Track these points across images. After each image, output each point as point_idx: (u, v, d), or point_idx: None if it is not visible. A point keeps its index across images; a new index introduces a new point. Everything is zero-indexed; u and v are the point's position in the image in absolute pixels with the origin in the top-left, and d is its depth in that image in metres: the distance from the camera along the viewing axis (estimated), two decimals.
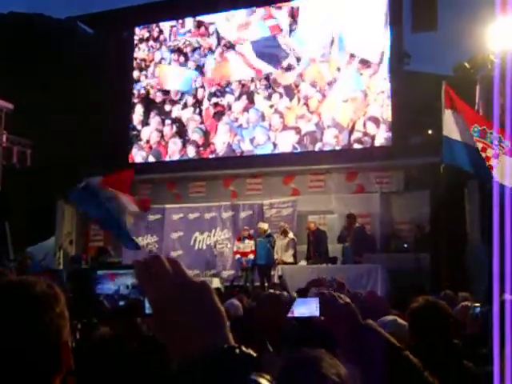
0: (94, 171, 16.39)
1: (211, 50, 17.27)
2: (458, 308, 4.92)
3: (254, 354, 0.85)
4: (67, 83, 16.54)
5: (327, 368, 1.39)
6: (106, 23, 17.79)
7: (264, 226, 13.65)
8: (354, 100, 15.21)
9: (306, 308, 1.83)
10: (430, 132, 14.54)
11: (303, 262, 13.12)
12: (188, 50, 17.66)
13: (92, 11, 18.39)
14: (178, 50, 17.77)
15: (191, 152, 17.06)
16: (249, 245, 13.49)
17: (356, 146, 15.05)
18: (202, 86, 17.19)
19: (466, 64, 12.22)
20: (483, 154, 9.36)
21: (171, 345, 0.89)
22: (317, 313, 1.79)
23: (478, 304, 4.73)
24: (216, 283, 13.21)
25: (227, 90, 16.83)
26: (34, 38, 17.88)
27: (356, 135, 15.12)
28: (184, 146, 17.14)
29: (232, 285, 13.29)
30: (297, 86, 15.91)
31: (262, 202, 15.08)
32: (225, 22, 17.21)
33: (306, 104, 15.73)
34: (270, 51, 16.43)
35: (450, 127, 9.86)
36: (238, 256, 13.76)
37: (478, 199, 12.00)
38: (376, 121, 14.99)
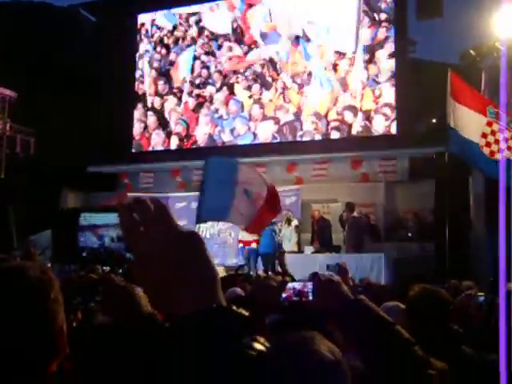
0: (96, 159, 16.46)
1: (194, 41, 17.53)
2: (461, 297, 4.89)
3: (247, 314, 0.78)
4: (70, 71, 16.50)
5: (320, 346, 1.39)
6: (108, 11, 17.72)
7: None
8: (330, 90, 15.45)
9: (299, 290, 1.85)
10: (434, 121, 14.47)
11: (308, 250, 13.10)
12: (170, 41, 17.87)
13: None
14: (160, 42, 17.88)
15: (174, 144, 17.27)
16: (251, 234, 13.46)
17: (362, 133, 15.02)
18: (184, 79, 17.43)
19: (472, 52, 12.13)
20: (483, 141, 9.33)
21: (159, 301, 0.81)
22: (309, 295, 1.83)
23: (481, 293, 4.71)
24: (220, 272, 13.22)
25: (209, 81, 17.01)
26: (37, 26, 17.82)
27: (333, 124, 15.36)
28: (168, 137, 17.31)
29: (236, 273, 13.30)
30: (275, 77, 16.16)
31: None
32: (208, 13, 17.42)
33: (284, 94, 15.96)
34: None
35: (455, 117, 9.81)
36: (240, 245, 13.76)
37: (483, 188, 11.95)
38: (353, 110, 15.16)
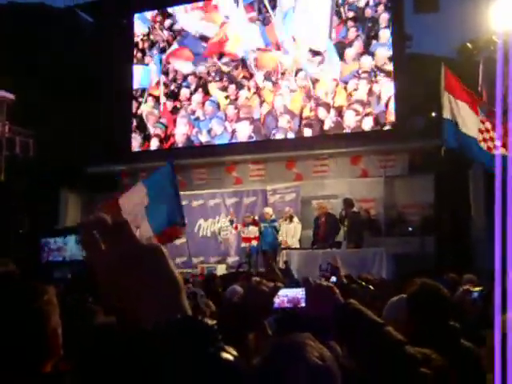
0: (96, 160, 16.46)
1: (169, 44, 17.72)
2: (459, 292, 4.91)
3: (212, 323, 0.77)
4: (68, 72, 16.49)
5: (311, 352, 1.40)
6: (106, 11, 17.71)
7: (269, 211, 13.65)
8: (303, 88, 15.67)
9: (292, 296, 1.87)
10: (433, 114, 14.47)
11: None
12: (146, 45, 18.04)
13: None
14: (136, 46, 18.07)
15: (154, 145, 17.47)
16: (253, 231, 13.48)
17: (365, 127, 15.02)
18: (158, 82, 17.58)
19: (469, 45, 12.14)
20: (484, 145, 9.37)
21: (123, 316, 0.81)
22: (302, 301, 1.85)
23: (477, 288, 4.71)
24: (221, 270, 13.25)
25: (184, 84, 17.19)
26: (34, 28, 17.80)
27: (305, 121, 15.55)
28: (146, 140, 17.52)
29: (237, 271, 13.31)
30: (249, 77, 16.35)
31: (265, 187, 15.08)
32: (183, 14, 17.63)
33: (259, 94, 16.15)
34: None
35: (450, 110, 9.84)
36: (243, 244, 13.82)
37: (483, 181, 11.96)
38: (326, 106, 15.35)
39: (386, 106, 14.87)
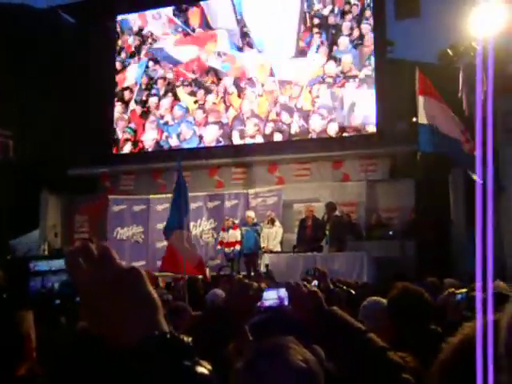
0: (77, 162, 16.34)
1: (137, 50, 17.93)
2: (444, 295, 4.93)
3: (188, 340, 0.82)
4: (50, 73, 16.36)
5: (294, 355, 1.40)
6: (88, 13, 17.62)
7: (251, 214, 13.65)
8: (269, 93, 15.93)
9: (276, 298, 1.87)
10: (414, 120, 14.58)
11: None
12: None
13: (74, 0, 18.18)
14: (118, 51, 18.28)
15: (126, 149, 17.52)
16: (233, 235, 13.47)
17: (345, 134, 15.11)
18: (128, 88, 17.70)
19: (449, 51, 12.25)
20: (467, 146, 9.48)
21: (103, 335, 0.86)
22: (285, 302, 1.85)
23: (459, 291, 4.74)
24: None
25: (153, 91, 17.39)
26: (15, 29, 17.65)
27: (272, 125, 15.84)
28: (115, 144, 17.59)
29: (219, 274, 13.28)
30: (217, 83, 16.60)
31: (247, 191, 15.08)
32: (151, 20, 17.81)
33: (225, 99, 16.38)
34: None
35: (424, 113, 9.93)
36: (218, 247, 13.82)
37: (463, 186, 12.08)
38: (289, 110, 15.62)
39: (352, 111, 15.08)
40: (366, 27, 15.30)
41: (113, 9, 17.84)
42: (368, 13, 15.34)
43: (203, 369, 0.79)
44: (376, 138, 14.58)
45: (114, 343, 0.82)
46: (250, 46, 16.39)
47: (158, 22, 17.65)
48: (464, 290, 4.65)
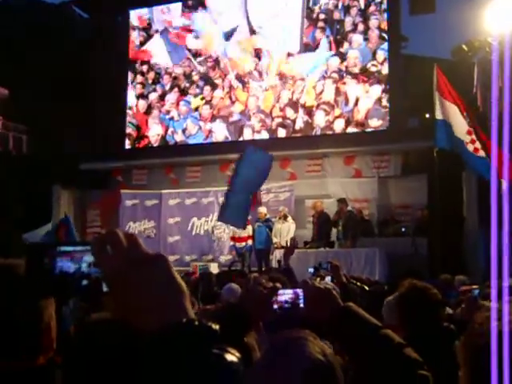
0: (89, 157, 16.41)
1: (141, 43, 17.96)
2: (456, 293, 4.91)
3: (216, 327, 0.81)
4: (63, 68, 16.43)
5: (312, 347, 1.40)
6: (101, 7, 17.65)
7: (263, 210, 13.63)
8: (273, 87, 15.87)
9: (290, 298, 1.87)
10: (427, 116, 14.51)
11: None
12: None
13: None
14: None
15: (127, 145, 17.52)
16: (246, 230, 13.47)
17: (352, 129, 15.05)
18: (134, 80, 17.75)
19: (464, 47, 12.15)
20: (468, 137, 9.45)
21: (130, 321, 0.85)
22: (301, 298, 1.84)
23: (476, 286, 4.72)
24: (214, 268, 13.22)
25: (157, 86, 17.42)
26: (29, 24, 17.74)
27: (277, 120, 15.79)
28: (129, 139, 17.63)
29: (230, 269, 13.29)
30: (223, 77, 16.56)
31: None
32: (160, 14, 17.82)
33: (231, 93, 16.34)
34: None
35: (442, 110, 9.89)
36: (231, 243, 13.82)
37: (476, 182, 12.00)
38: (294, 106, 15.57)
39: (356, 106, 15.04)
40: (379, 22, 15.19)
41: (125, 3, 17.87)
42: (381, 7, 15.24)
43: (233, 357, 0.79)
44: (388, 134, 14.50)
45: (141, 330, 0.82)
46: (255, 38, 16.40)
47: (168, 16, 17.63)
48: (476, 287, 4.63)
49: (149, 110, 17.41)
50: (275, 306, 1.88)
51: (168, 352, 0.77)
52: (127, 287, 0.85)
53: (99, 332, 1.96)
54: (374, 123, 14.87)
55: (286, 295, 1.90)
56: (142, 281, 0.85)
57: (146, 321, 0.82)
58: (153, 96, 17.42)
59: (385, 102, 14.79)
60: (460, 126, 9.74)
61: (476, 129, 9.69)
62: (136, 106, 17.57)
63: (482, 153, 9.57)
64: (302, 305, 1.86)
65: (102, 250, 0.89)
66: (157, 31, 17.73)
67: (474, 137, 9.60)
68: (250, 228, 13.46)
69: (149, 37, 17.85)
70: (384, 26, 15.09)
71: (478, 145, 9.66)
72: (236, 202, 8.58)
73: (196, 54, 17.03)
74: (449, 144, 10.02)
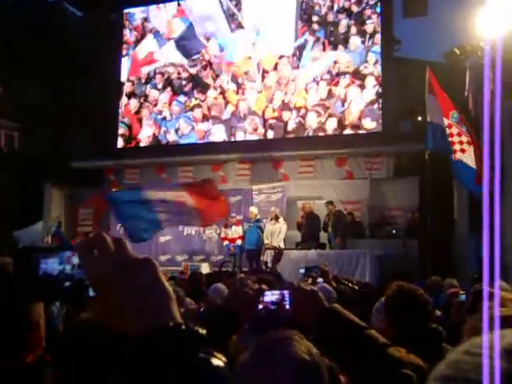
0: (82, 155, 16.36)
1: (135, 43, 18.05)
2: (446, 295, 4.93)
3: (203, 332, 0.81)
4: (55, 66, 16.36)
5: (298, 347, 1.40)
6: (95, 5, 17.60)
7: (254, 210, 13.65)
8: (267, 88, 15.93)
9: (276, 299, 1.87)
10: (419, 118, 14.56)
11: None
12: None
13: None
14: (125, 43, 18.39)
15: (119, 144, 17.55)
16: (236, 231, 13.48)
17: (345, 131, 15.08)
18: (128, 80, 17.80)
19: (457, 51, 12.20)
20: (458, 146, 9.55)
21: (116, 326, 0.85)
22: (287, 299, 1.85)
23: (463, 292, 4.74)
24: (205, 268, 13.23)
25: (150, 84, 17.46)
26: (21, 22, 17.65)
27: (269, 122, 15.85)
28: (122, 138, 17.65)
29: (220, 270, 13.30)
30: (215, 78, 16.65)
31: (250, 187, 15.08)
32: (155, 13, 17.91)
33: (224, 95, 16.41)
34: (187, 44, 17.23)
35: (433, 112, 9.95)
36: (226, 242, 13.76)
37: None
38: (287, 107, 15.68)
39: (348, 107, 15.10)
40: (372, 25, 15.26)
41: (119, 2, 17.85)
42: (375, 10, 15.30)
43: (219, 361, 0.78)
44: (381, 136, 14.55)
45: (127, 334, 0.81)
46: (248, 39, 16.46)
47: (162, 15, 17.63)
48: (463, 292, 4.64)
49: (139, 110, 17.38)
50: (260, 307, 1.88)
51: (153, 356, 0.76)
52: (113, 291, 0.85)
53: (87, 331, 1.97)
54: (367, 125, 14.92)
55: (272, 296, 1.90)
56: (128, 285, 0.85)
57: (132, 325, 0.81)
58: (144, 95, 17.42)
59: (377, 105, 14.85)
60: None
61: (453, 125, 9.81)
62: (126, 105, 17.53)
63: (458, 155, 9.69)
64: (287, 306, 1.86)
65: (89, 254, 0.88)
66: (151, 30, 17.71)
67: (451, 131, 9.73)
68: (240, 229, 13.47)
69: (142, 36, 17.82)
70: (377, 28, 15.17)
71: (465, 146, 9.75)
72: (135, 222, 8.57)
73: (188, 55, 17.03)
74: (438, 146, 10.09)
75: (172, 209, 8.50)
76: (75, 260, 0.98)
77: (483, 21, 10.15)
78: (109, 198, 8.78)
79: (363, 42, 15.28)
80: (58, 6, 18.55)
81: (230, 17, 16.58)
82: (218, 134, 16.40)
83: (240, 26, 16.50)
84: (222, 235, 13.95)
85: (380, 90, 14.87)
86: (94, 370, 1.80)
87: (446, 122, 9.84)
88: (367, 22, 15.30)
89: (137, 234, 8.38)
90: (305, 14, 15.88)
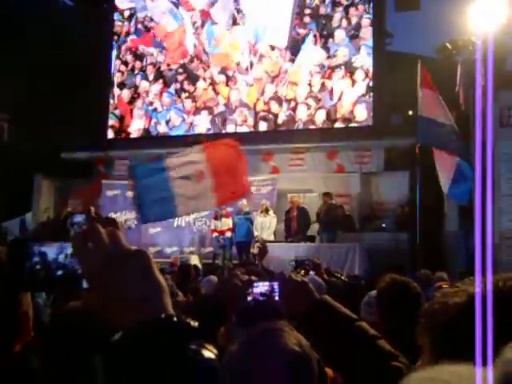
0: (72, 146, 16.27)
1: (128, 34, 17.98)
2: (433, 288, 4.95)
3: (195, 324, 0.81)
4: (45, 56, 16.23)
5: (288, 338, 1.40)
6: None
7: (244, 202, 13.63)
8: (258, 81, 15.90)
9: (266, 290, 1.86)
10: (410, 113, 14.58)
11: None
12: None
13: None
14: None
15: (110, 135, 17.49)
16: (226, 223, 13.46)
17: (336, 124, 15.09)
18: (120, 71, 17.74)
19: (448, 45, 12.23)
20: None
21: (109, 317, 0.85)
22: (276, 290, 1.84)
23: (446, 285, 4.76)
24: (195, 260, 13.21)
25: (140, 74, 17.41)
26: (10, 11, 17.49)
27: (260, 114, 15.83)
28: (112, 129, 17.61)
29: (214, 262, 13.31)
30: (206, 68, 16.60)
31: None
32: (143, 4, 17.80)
33: (214, 87, 16.39)
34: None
35: (425, 106, 9.96)
36: (215, 234, 13.74)
37: None
38: (278, 100, 15.60)
39: (339, 100, 15.09)
40: (364, 18, 15.24)
41: None
42: (368, 4, 15.28)
43: (210, 353, 0.78)
44: (372, 129, 14.57)
45: (119, 326, 0.82)
46: (243, 30, 16.42)
47: (153, 4, 17.56)
48: (446, 286, 4.67)
49: (132, 100, 17.31)
50: (249, 298, 1.88)
51: (145, 347, 0.77)
52: (106, 283, 0.85)
53: (73, 320, 1.97)
54: (358, 119, 14.93)
55: (261, 287, 1.89)
56: (121, 277, 0.85)
57: (125, 317, 0.82)
58: (134, 85, 17.37)
59: (368, 98, 14.86)
60: (447, 121, 9.83)
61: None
62: (119, 95, 17.47)
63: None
64: (277, 297, 1.86)
65: (83, 246, 0.89)
66: (142, 21, 17.62)
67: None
68: (230, 221, 13.46)
69: (134, 26, 17.74)
70: (369, 22, 15.15)
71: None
72: (151, 199, 8.38)
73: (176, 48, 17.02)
74: (430, 140, 10.11)
75: (189, 188, 8.29)
76: (69, 250, 0.98)
77: (475, 16, 10.18)
78: (134, 172, 8.53)
79: (355, 36, 15.26)
80: None
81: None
82: (203, 126, 16.37)
83: (234, 16, 16.42)
84: (212, 227, 13.93)
85: (371, 84, 14.86)
86: (81, 357, 1.79)
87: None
88: (359, 15, 15.27)
89: (149, 213, 8.21)
90: (297, 7, 15.82)
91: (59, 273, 0.97)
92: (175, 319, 0.81)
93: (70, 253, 0.96)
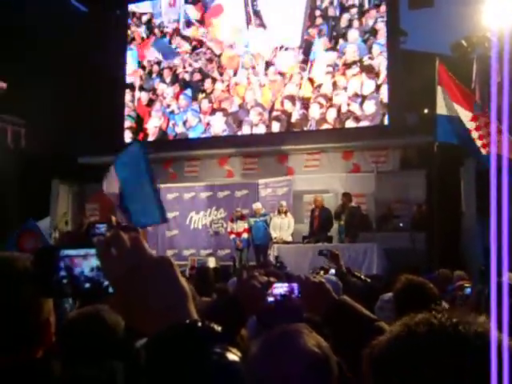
0: (89, 151, 16.38)
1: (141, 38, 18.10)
2: (453, 287, 4.91)
3: (219, 328, 0.83)
4: (61, 62, 16.37)
5: (308, 340, 1.40)
6: (99, 1, 17.61)
7: (259, 205, 13.66)
8: (273, 82, 15.89)
9: (285, 291, 1.86)
10: (426, 111, 14.50)
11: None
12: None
13: None
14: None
15: (127, 137, 17.55)
16: (242, 225, 13.50)
17: (351, 124, 15.03)
18: (136, 73, 17.86)
19: (463, 42, 12.13)
20: (475, 134, 9.41)
21: (134, 323, 0.87)
22: (296, 292, 1.84)
23: (468, 284, 4.72)
24: (212, 263, 13.25)
25: (156, 77, 17.53)
26: (26, 18, 17.66)
27: (274, 114, 15.81)
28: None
29: (234, 265, 13.37)
30: (222, 71, 16.65)
31: (257, 181, 15.08)
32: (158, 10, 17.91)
33: (230, 88, 16.44)
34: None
35: (443, 103, 9.85)
36: (232, 236, 13.77)
37: (474, 178, 11.99)
38: (292, 99, 15.59)
39: (353, 99, 15.06)
40: (377, 17, 15.18)
41: None
42: (379, 2, 15.21)
43: (234, 356, 0.80)
44: (387, 129, 14.50)
45: (145, 333, 0.83)
46: (260, 28, 16.44)
47: (168, 10, 17.63)
48: (468, 285, 4.62)
49: (150, 103, 17.41)
50: (270, 299, 1.88)
51: (170, 353, 0.78)
52: (131, 290, 0.86)
53: (79, 326, 2.00)
54: (373, 118, 14.87)
55: (281, 288, 1.90)
56: (145, 285, 0.86)
57: (150, 324, 0.83)
58: (153, 88, 17.44)
59: (383, 97, 14.79)
60: (466, 123, 9.68)
61: (479, 116, 9.63)
62: (138, 99, 17.56)
63: (489, 149, 9.54)
64: (296, 298, 1.86)
65: (107, 254, 0.90)
66: (158, 26, 17.70)
67: (478, 123, 9.54)
68: (246, 224, 13.50)
69: (148, 30, 17.83)
70: (383, 20, 15.08)
71: (485, 141, 9.63)
72: (139, 203, 8.35)
73: (194, 47, 17.06)
74: (448, 138, 9.98)
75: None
76: (93, 263, 0.98)
77: (490, 11, 10.09)
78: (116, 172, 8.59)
79: (369, 34, 15.19)
80: (62, 2, 18.55)
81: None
82: (218, 126, 16.39)
83: (249, 17, 16.44)
84: (229, 229, 13.98)
85: (386, 83, 14.80)
86: (98, 362, 1.81)
87: (469, 115, 9.69)
88: (373, 14, 15.21)
89: (139, 217, 8.22)
90: (309, 8, 15.80)
91: (87, 285, 0.98)
92: (199, 324, 0.82)
93: (97, 266, 0.97)
